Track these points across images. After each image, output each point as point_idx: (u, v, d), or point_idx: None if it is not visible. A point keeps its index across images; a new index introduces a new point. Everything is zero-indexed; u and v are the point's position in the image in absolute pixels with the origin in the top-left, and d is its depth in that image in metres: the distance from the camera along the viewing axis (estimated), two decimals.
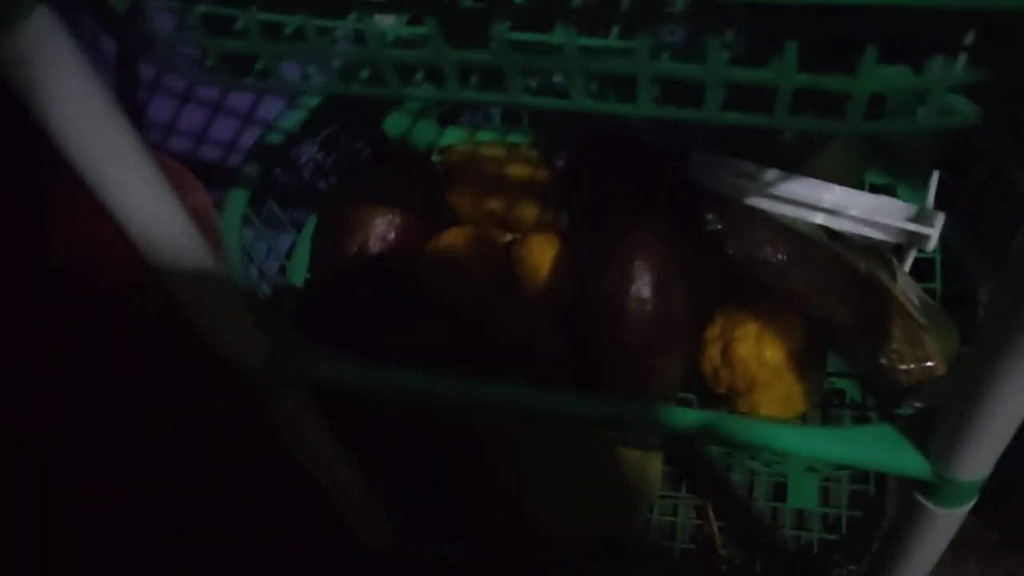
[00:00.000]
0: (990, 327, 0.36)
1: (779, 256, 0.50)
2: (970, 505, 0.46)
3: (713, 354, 0.53)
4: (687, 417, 0.47)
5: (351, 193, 0.64)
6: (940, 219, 0.52)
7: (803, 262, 0.50)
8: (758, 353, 0.51)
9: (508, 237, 0.64)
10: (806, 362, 0.52)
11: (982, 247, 0.59)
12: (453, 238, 0.61)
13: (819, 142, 0.57)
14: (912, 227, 0.52)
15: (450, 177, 0.64)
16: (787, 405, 0.52)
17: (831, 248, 0.49)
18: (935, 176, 0.56)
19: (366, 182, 0.64)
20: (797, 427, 0.46)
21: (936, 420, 0.44)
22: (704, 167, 0.57)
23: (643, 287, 0.51)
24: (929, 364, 0.49)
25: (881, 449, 0.45)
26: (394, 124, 0.70)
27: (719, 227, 0.55)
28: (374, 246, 0.61)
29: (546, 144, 0.69)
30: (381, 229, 0.61)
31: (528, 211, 0.63)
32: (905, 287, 0.48)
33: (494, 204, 0.63)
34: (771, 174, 0.54)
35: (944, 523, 0.46)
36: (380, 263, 0.61)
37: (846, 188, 0.53)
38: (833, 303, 0.49)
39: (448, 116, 0.72)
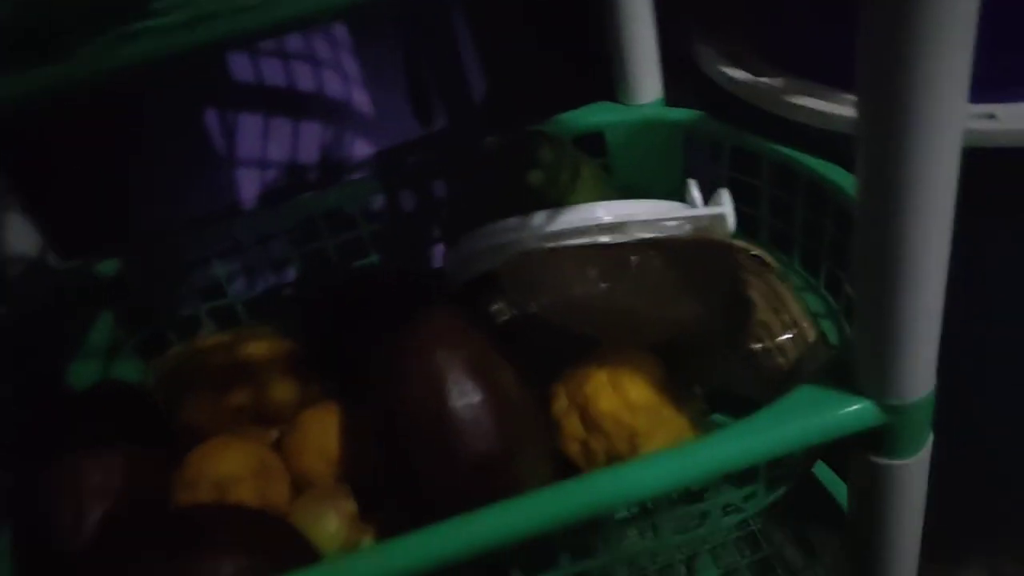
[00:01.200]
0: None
1: (592, 279, 0.42)
2: (928, 444, 0.38)
3: (572, 428, 0.43)
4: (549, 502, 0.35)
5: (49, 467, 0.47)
6: (727, 195, 0.48)
7: (624, 273, 0.42)
8: (622, 399, 0.42)
9: (274, 432, 0.50)
10: (678, 389, 0.43)
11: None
12: (204, 464, 0.46)
13: (566, 181, 0.51)
14: (705, 211, 0.47)
15: (172, 390, 0.50)
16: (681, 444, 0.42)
17: (650, 242, 0.42)
18: (691, 183, 0.53)
19: (64, 444, 0.48)
20: (711, 436, 0.36)
21: (848, 358, 0.36)
22: (461, 256, 0.50)
23: (460, 377, 0.40)
24: (802, 327, 0.42)
25: (814, 413, 0.36)
26: (80, 373, 0.55)
27: (509, 304, 0.47)
28: (93, 507, 0.44)
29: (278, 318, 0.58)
30: (97, 482, 0.45)
31: (283, 392, 0.50)
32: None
33: (239, 399, 0.49)
34: (538, 217, 0.47)
35: (912, 474, 0.38)
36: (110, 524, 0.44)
37: (620, 200, 0.47)
38: (678, 301, 0.42)
39: (152, 343, 0.59)
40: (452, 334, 0.42)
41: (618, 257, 0.42)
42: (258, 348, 0.51)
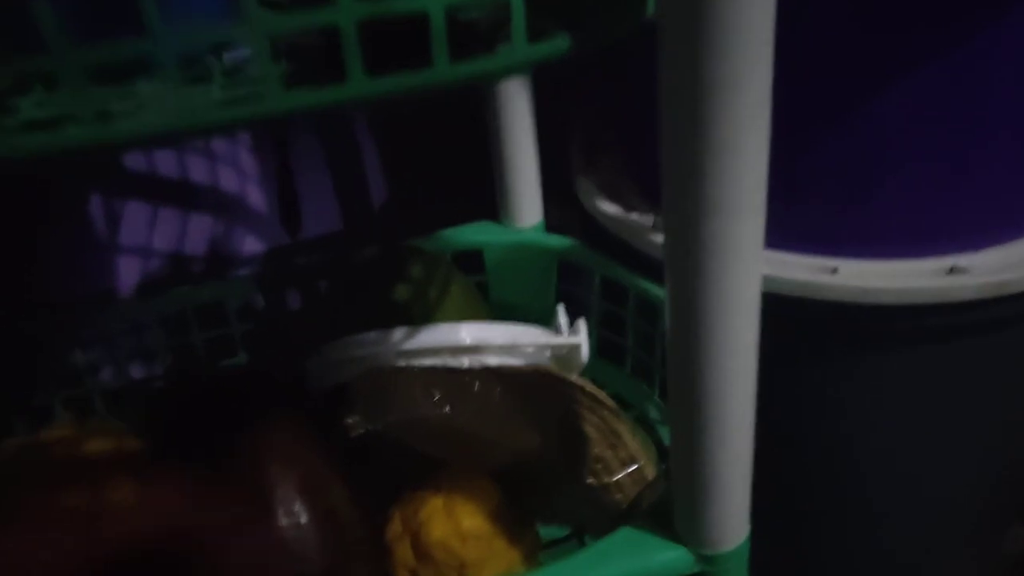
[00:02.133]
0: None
1: (436, 402, 0.43)
2: None
3: (404, 555, 0.42)
4: None
5: None
6: (583, 326, 0.49)
7: (467, 397, 0.43)
8: (454, 527, 0.41)
9: None
10: (513, 520, 0.43)
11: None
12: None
13: (434, 297, 0.52)
14: (561, 340, 0.48)
15: (8, 480, 0.48)
16: None
17: (493, 370, 0.43)
18: (560, 308, 0.54)
19: None
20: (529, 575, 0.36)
21: (670, 501, 0.37)
22: (323, 365, 0.50)
23: (288, 495, 0.39)
24: (637, 466, 0.43)
25: (631, 557, 0.36)
26: None
27: (361, 419, 0.46)
28: None
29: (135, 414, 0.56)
30: None
31: (124, 492, 0.48)
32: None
33: (71, 499, 0.47)
34: (398, 333, 0.47)
35: None
36: None
37: (481, 323, 0.48)
38: (517, 429, 0.42)
39: None
40: (289, 448, 0.42)
41: (462, 382, 0.43)
42: (102, 444, 0.49)
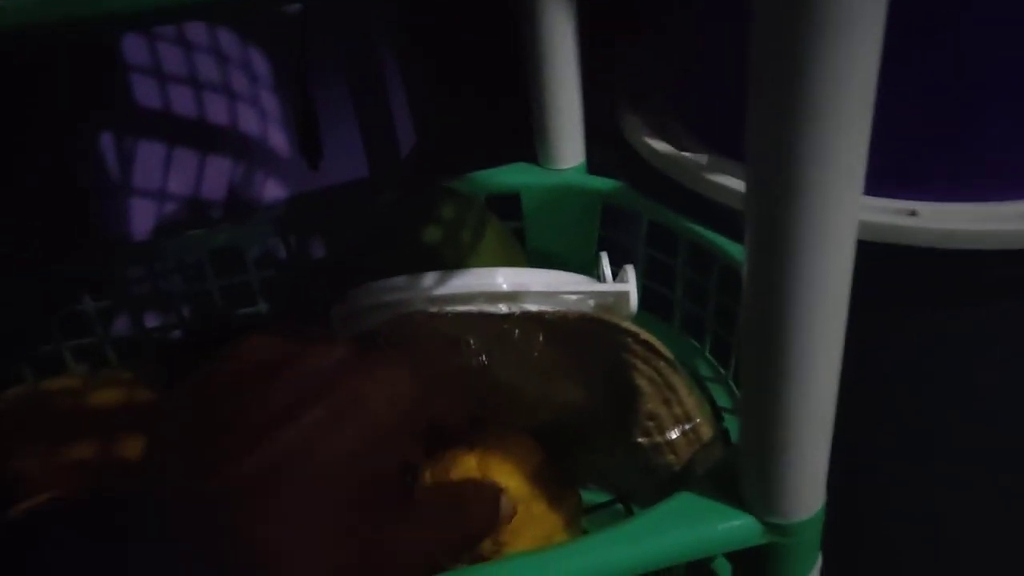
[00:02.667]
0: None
1: (472, 351, 0.38)
2: (816, 569, 0.34)
3: None
4: None
5: None
6: (632, 273, 0.44)
7: (505, 347, 0.38)
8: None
9: None
10: (554, 483, 0.39)
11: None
12: None
13: (467, 241, 0.48)
14: (608, 288, 0.44)
15: (5, 434, 0.45)
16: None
17: (534, 316, 0.38)
18: (602, 256, 0.49)
19: None
20: (575, 544, 0.32)
21: (734, 466, 0.33)
22: (347, 313, 0.46)
23: None
24: (694, 424, 0.39)
25: (690, 525, 0.32)
26: None
27: None
28: None
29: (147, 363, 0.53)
30: None
31: (134, 446, 0.45)
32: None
33: (81, 452, 0.44)
34: (428, 278, 0.43)
35: None
36: None
37: (519, 268, 0.44)
38: (560, 381, 0.38)
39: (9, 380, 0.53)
40: None
41: (500, 329, 0.39)
42: (110, 395, 0.46)
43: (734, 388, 0.49)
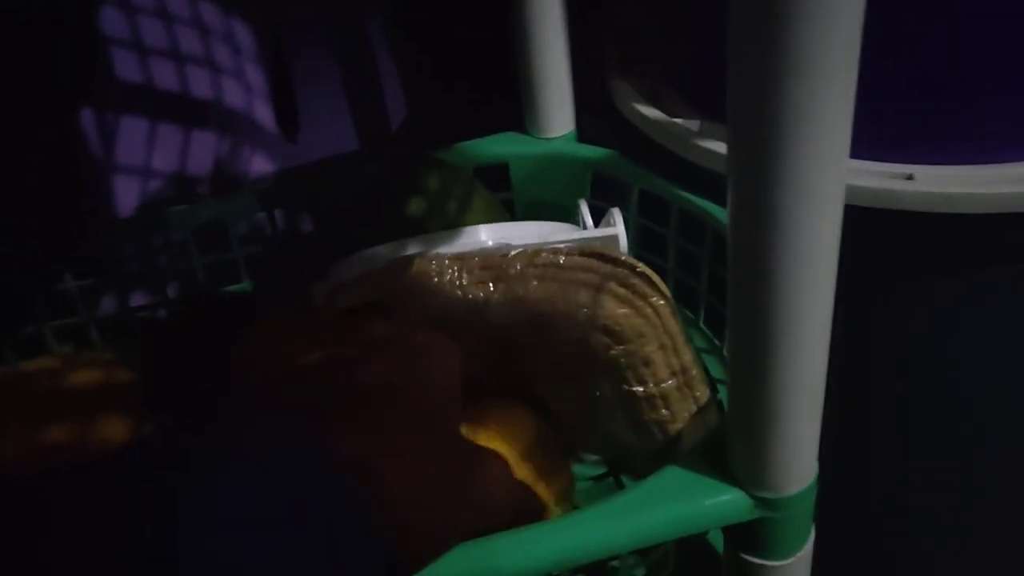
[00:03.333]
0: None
1: (472, 286, 0.37)
2: (809, 544, 0.34)
3: None
4: None
5: None
6: (618, 216, 0.43)
7: (507, 281, 0.37)
8: None
9: None
10: (547, 458, 0.38)
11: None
12: None
13: (453, 211, 0.47)
14: (596, 233, 0.43)
15: None
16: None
17: (530, 253, 0.37)
18: (583, 205, 0.48)
19: None
20: (559, 521, 0.31)
21: (724, 439, 0.32)
22: (330, 286, 0.45)
23: None
24: (691, 377, 0.38)
25: (678, 500, 0.31)
26: None
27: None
28: None
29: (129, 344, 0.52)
30: None
31: (113, 428, 0.44)
32: None
33: (56, 434, 0.43)
34: (411, 244, 0.42)
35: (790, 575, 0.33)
36: None
37: (502, 223, 0.43)
38: (557, 321, 0.36)
39: None
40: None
41: (497, 263, 0.37)
42: (89, 376, 0.45)
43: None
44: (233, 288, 0.54)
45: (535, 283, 0.36)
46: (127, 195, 0.62)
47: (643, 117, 0.51)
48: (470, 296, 0.37)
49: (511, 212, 0.55)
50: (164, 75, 0.62)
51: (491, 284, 0.37)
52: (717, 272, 0.48)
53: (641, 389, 0.37)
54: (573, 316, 0.36)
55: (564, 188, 0.54)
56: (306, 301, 0.47)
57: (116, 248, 0.55)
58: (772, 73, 0.21)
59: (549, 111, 0.54)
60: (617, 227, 0.41)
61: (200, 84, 0.63)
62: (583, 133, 0.55)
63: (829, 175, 0.23)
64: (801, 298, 0.25)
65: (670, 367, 0.37)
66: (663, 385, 0.37)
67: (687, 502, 0.31)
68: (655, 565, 0.40)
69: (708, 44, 0.51)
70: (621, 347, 0.36)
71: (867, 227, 0.43)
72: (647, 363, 0.37)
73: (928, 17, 0.41)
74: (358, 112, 0.68)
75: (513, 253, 0.37)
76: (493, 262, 0.38)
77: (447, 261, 0.38)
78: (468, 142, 0.55)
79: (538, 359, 0.40)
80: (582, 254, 0.36)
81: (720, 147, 0.47)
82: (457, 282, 0.37)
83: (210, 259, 0.54)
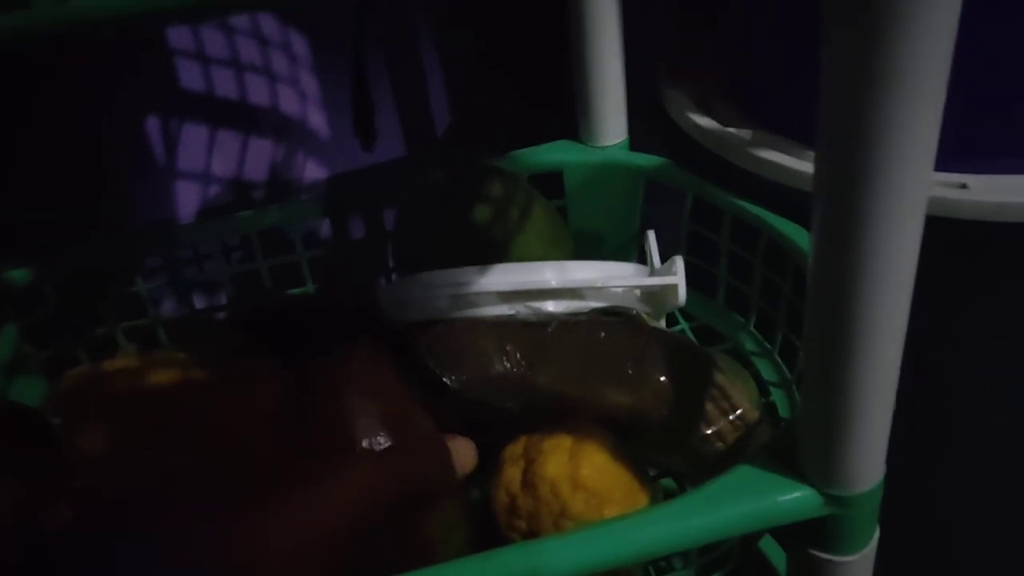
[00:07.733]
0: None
1: (514, 361, 0.39)
2: (874, 541, 0.35)
3: (511, 476, 0.39)
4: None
5: None
6: (680, 264, 0.45)
7: (546, 356, 0.39)
8: (571, 471, 0.38)
9: None
10: (630, 482, 0.40)
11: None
12: None
13: (515, 218, 0.48)
14: (656, 281, 0.44)
15: (71, 414, 0.46)
16: None
17: (575, 324, 0.39)
18: (650, 235, 0.50)
19: None
20: (630, 518, 0.33)
21: (793, 439, 0.33)
22: (395, 299, 0.46)
23: (372, 424, 0.37)
24: (740, 412, 0.39)
25: (749, 498, 0.33)
26: None
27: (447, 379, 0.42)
28: None
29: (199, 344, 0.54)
30: None
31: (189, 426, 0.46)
32: None
33: (139, 431, 0.45)
34: (475, 273, 0.43)
35: (855, 573, 0.35)
36: None
37: (568, 261, 0.44)
38: (602, 386, 0.39)
39: (63, 361, 0.54)
40: (371, 378, 0.39)
41: (540, 338, 0.39)
42: (167, 376, 0.47)
43: (779, 362, 0.49)
44: (296, 291, 0.56)
45: (581, 356, 0.39)
46: (188, 200, 0.64)
47: (695, 126, 0.53)
48: (518, 368, 0.39)
49: (565, 219, 0.56)
50: (224, 83, 0.64)
51: (537, 357, 0.40)
52: (768, 277, 0.49)
53: (693, 435, 0.39)
54: (620, 382, 0.39)
55: (618, 196, 0.55)
56: (369, 307, 0.48)
57: (180, 252, 0.57)
58: (867, 86, 0.23)
59: (603, 119, 0.55)
60: (678, 276, 0.43)
61: (257, 91, 0.65)
62: (636, 141, 0.57)
63: (917, 186, 0.24)
64: (882, 305, 0.27)
65: (721, 410, 0.39)
66: (715, 427, 0.39)
67: (759, 499, 0.32)
68: (713, 562, 0.42)
69: (761, 55, 0.53)
70: (670, 405, 0.38)
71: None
72: (697, 414, 0.39)
73: (981, 28, 0.42)
74: (410, 119, 0.69)
75: (559, 321, 0.40)
76: (538, 336, 0.40)
77: (494, 332, 0.40)
78: (523, 150, 0.56)
79: (586, 412, 0.41)
80: (628, 322, 0.38)
81: (773, 155, 0.49)
82: (504, 355, 0.40)
83: (272, 261, 0.55)
